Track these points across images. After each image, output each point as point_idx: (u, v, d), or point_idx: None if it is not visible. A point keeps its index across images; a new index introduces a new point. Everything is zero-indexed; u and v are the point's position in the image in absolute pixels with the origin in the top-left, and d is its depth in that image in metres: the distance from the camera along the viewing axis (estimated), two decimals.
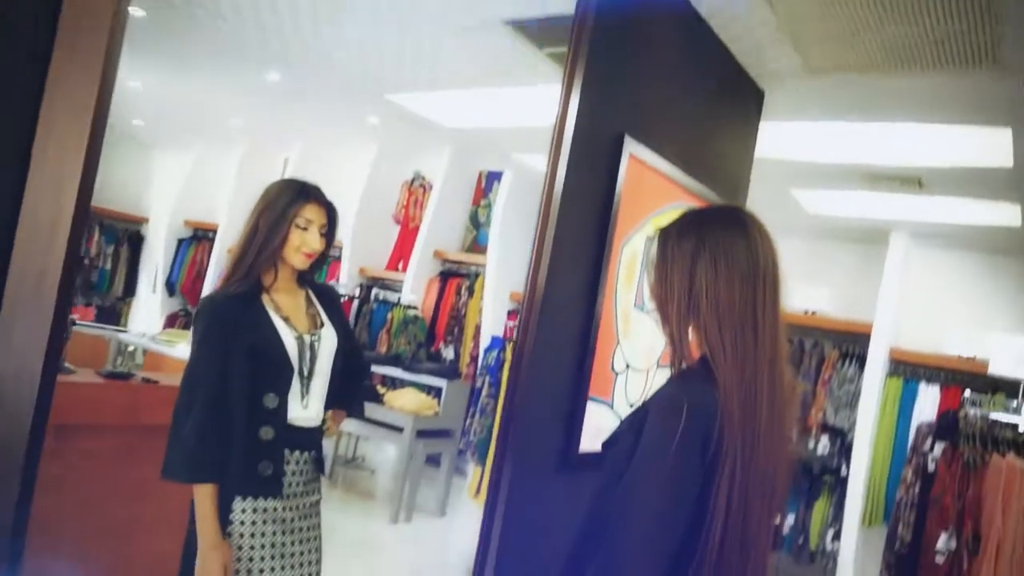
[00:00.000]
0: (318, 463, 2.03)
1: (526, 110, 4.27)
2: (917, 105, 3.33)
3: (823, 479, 5.45)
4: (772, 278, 1.44)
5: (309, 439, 1.96)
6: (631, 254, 2.55)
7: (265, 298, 1.95)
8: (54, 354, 1.13)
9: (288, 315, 1.95)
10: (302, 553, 1.95)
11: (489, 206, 6.70)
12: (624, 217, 2.47)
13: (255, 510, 1.86)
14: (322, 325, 2.02)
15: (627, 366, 2.60)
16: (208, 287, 7.52)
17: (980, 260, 5.45)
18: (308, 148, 6.96)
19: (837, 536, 5.24)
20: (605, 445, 1.52)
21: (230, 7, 3.67)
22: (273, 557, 1.88)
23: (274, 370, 1.88)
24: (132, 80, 5.89)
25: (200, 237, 7.99)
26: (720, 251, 1.41)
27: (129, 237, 8.50)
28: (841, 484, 5.31)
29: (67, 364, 3.02)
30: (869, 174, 4.25)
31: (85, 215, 1.11)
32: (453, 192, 6.65)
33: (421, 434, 5.10)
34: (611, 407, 2.53)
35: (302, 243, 1.93)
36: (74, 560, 2.78)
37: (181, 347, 5.28)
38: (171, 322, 7.72)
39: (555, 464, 2.32)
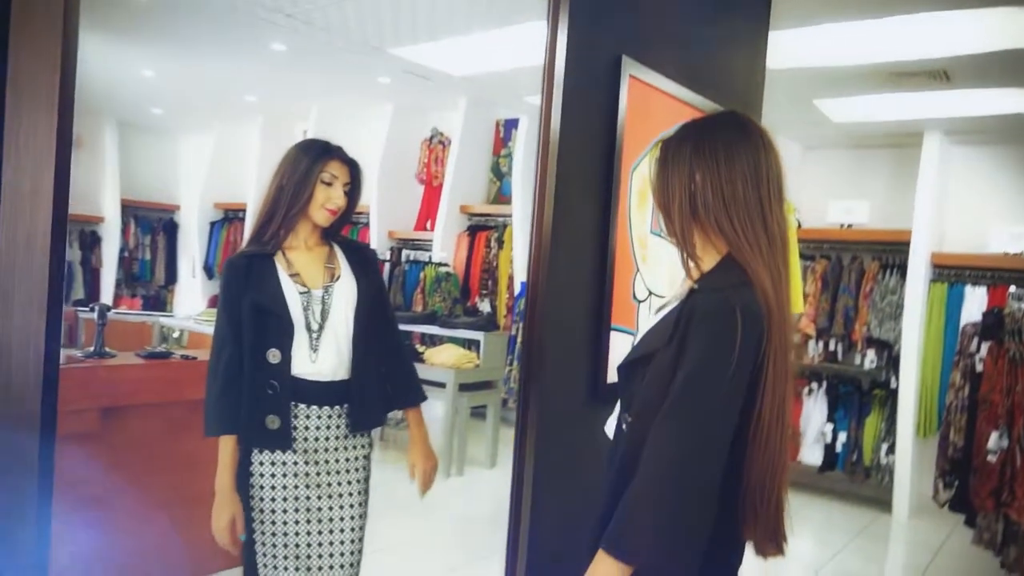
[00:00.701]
0: (354, 418, 2.01)
1: (531, 49, 4.18)
2: None
3: (873, 394, 5.38)
4: (777, 181, 1.43)
5: (329, 394, 1.96)
6: (642, 179, 2.50)
7: (279, 256, 1.97)
8: (55, 320, 1.15)
9: (299, 271, 1.97)
10: (331, 508, 1.97)
11: (510, 155, 6.64)
12: (630, 142, 2.42)
13: (272, 463, 1.90)
14: (338, 278, 2.02)
15: (649, 293, 2.57)
16: None
17: (1016, 152, 5.23)
18: (324, 116, 6.96)
19: (891, 450, 5.18)
20: (625, 365, 1.52)
21: None
22: (297, 510, 1.92)
23: (276, 326, 1.90)
24: (145, 69, 5.94)
25: (231, 218, 8.10)
26: (720, 150, 1.40)
27: (164, 226, 8.66)
28: (892, 397, 5.24)
29: (108, 349, 3.11)
30: (892, 72, 4.08)
31: (66, 175, 1.12)
32: (472, 145, 6.60)
33: (464, 387, 5.15)
34: (636, 336, 2.51)
35: (327, 199, 1.95)
36: (132, 535, 2.90)
37: None
38: (213, 304, 7.89)
39: (584, 397, 2.31)
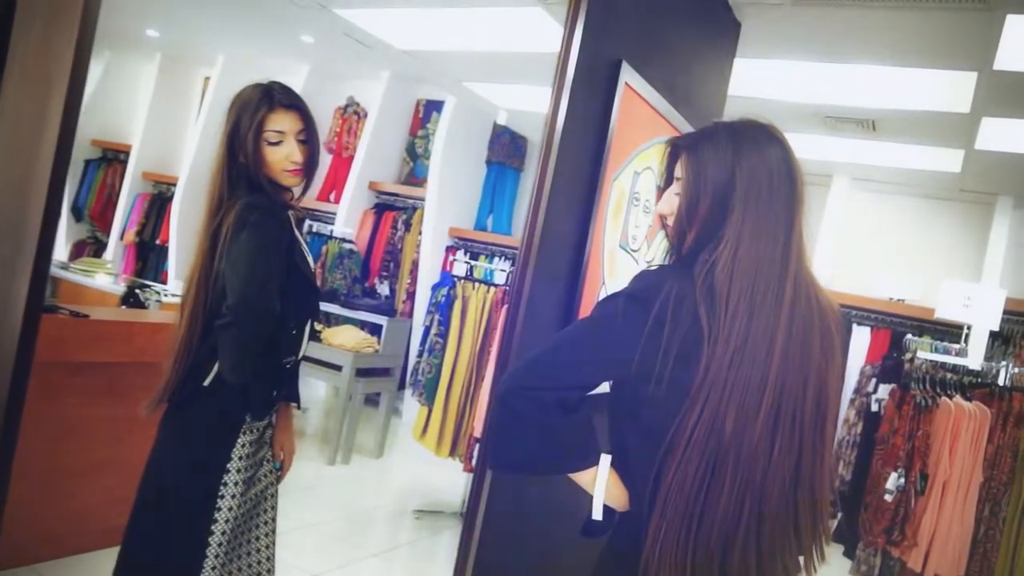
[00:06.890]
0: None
1: (484, 34, 4.02)
2: (890, 45, 3.29)
3: None
4: (804, 200, 1.30)
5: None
6: (619, 191, 2.42)
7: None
8: (40, 282, 0.93)
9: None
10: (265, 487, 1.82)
11: (427, 137, 6.42)
12: (615, 151, 2.33)
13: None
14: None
15: None
16: (120, 213, 7.01)
17: (915, 205, 5.59)
18: (231, 66, 6.47)
19: None
20: None
21: None
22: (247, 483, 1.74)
23: (309, 297, 1.71)
24: None
25: (111, 159, 7.39)
26: (760, 168, 1.26)
27: None
28: None
29: None
30: (827, 116, 4.23)
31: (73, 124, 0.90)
32: (390, 121, 6.34)
33: (361, 372, 4.92)
34: None
35: (283, 160, 1.67)
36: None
37: (100, 278, 4.88)
38: (79, 250, 7.18)
39: None
